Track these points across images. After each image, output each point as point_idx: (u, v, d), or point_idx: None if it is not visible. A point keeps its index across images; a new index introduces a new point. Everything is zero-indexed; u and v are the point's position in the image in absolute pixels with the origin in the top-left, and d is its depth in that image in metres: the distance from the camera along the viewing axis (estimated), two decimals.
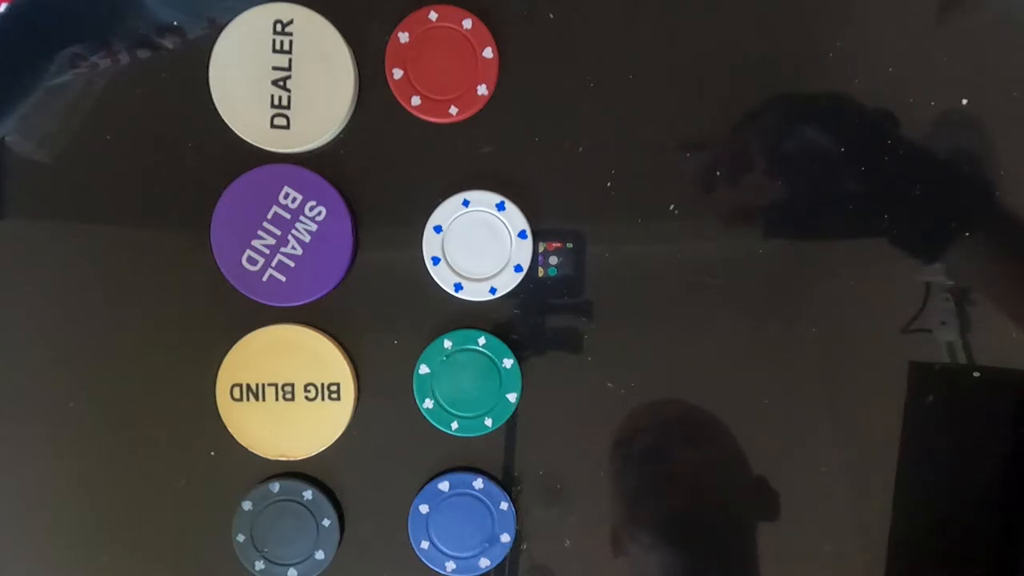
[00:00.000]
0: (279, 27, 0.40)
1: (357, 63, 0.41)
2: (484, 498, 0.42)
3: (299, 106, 0.40)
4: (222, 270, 0.41)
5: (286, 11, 0.40)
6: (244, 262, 0.41)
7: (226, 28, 0.40)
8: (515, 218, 0.41)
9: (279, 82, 0.40)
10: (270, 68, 0.40)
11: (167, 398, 0.43)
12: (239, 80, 0.40)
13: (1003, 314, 0.43)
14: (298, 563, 0.42)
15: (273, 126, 0.40)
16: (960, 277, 0.42)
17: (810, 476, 0.43)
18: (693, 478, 0.44)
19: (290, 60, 0.40)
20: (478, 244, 0.41)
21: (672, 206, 0.42)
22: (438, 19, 0.40)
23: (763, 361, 0.43)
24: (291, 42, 0.40)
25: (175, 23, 0.41)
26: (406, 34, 0.40)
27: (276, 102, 0.40)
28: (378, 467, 0.43)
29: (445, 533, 0.42)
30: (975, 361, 0.43)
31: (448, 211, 0.41)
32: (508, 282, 0.41)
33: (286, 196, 0.41)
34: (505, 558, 0.43)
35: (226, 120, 0.40)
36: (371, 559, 0.43)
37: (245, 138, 0.40)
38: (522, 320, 0.43)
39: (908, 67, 0.42)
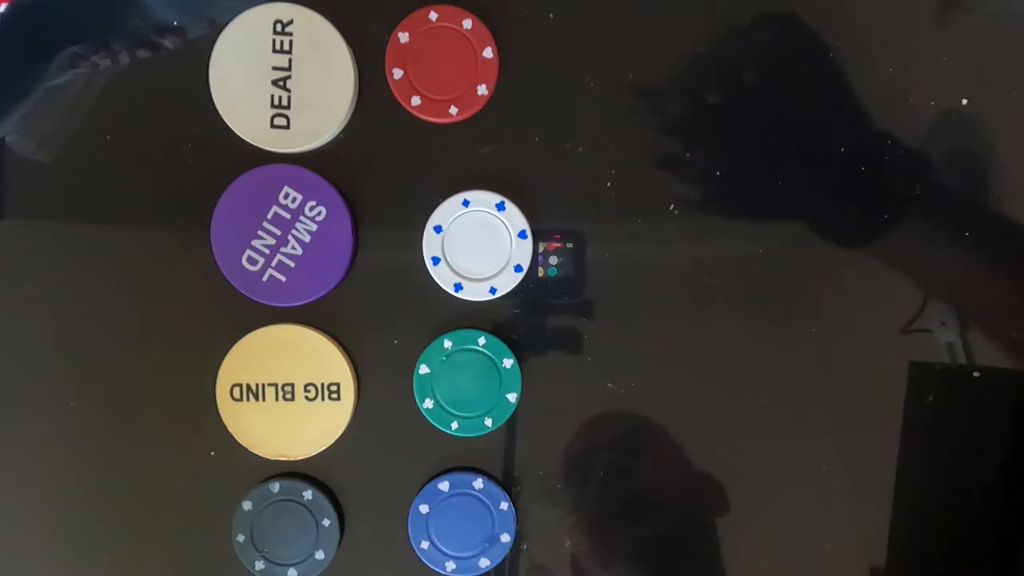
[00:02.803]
0: (279, 27, 0.40)
1: (357, 63, 0.41)
2: (484, 498, 0.42)
3: (299, 106, 0.40)
4: (222, 270, 0.41)
5: (286, 11, 0.40)
6: (244, 262, 0.41)
7: (226, 28, 0.40)
8: (515, 218, 0.41)
9: (279, 82, 0.40)
10: (270, 68, 0.40)
11: (167, 398, 0.43)
12: (239, 80, 0.40)
13: (1003, 314, 0.43)
14: (298, 563, 0.42)
15: (273, 126, 0.40)
16: (960, 277, 0.42)
17: (810, 476, 0.43)
18: (688, 478, 0.44)
19: (290, 60, 0.40)
20: (478, 244, 0.41)
21: (672, 206, 0.42)
22: (438, 19, 0.40)
23: (763, 361, 0.43)
24: (291, 42, 0.40)
25: (175, 23, 0.41)
26: (406, 34, 0.40)
27: (276, 102, 0.40)
28: (378, 467, 0.43)
29: (445, 533, 0.42)
30: (975, 361, 0.43)
31: (448, 211, 0.41)
32: (508, 282, 0.41)
33: (286, 196, 0.41)
34: (505, 558, 0.43)
35: (226, 120, 0.40)
36: (371, 559, 0.44)
37: (245, 138, 0.40)
38: (522, 320, 0.43)
39: (908, 67, 0.42)
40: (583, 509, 0.43)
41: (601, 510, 0.43)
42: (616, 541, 0.44)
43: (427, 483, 0.43)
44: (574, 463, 0.43)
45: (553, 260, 0.42)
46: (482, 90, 0.41)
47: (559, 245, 0.42)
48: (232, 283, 0.41)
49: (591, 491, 0.43)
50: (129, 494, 0.43)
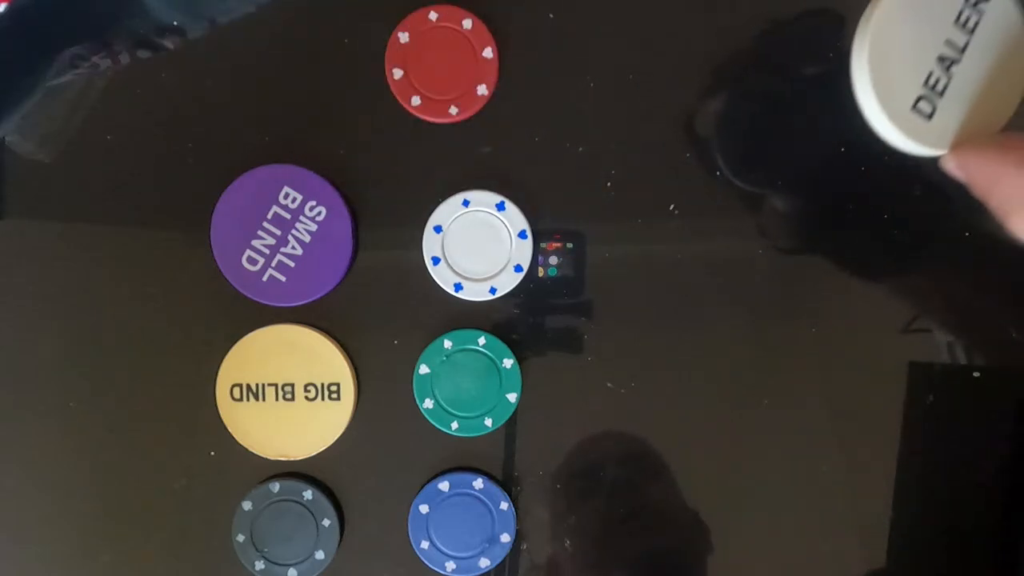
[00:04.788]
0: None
1: (358, 63, 0.41)
2: (484, 498, 0.42)
3: (952, 98, 0.35)
4: (222, 270, 0.41)
5: None
6: (244, 262, 0.41)
7: None
8: (515, 218, 0.41)
9: (944, 60, 0.35)
10: (941, 41, 0.35)
11: (167, 398, 0.43)
12: (903, 39, 0.35)
13: (1003, 314, 0.43)
14: (298, 563, 0.42)
15: (914, 108, 0.35)
16: (960, 277, 0.42)
17: (810, 476, 0.43)
18: (688, 477, 0.44)
19: (967, 42, 0.35)
20: (478, 244, 0.41)
21: (672, 206, 0.42)
22: (438, 19, 0.40)
23: (763, 361, 0.43)
24: (977, 22, 0.35)
25: (175, 23, 0.41)
26: (406, 34, 0.40)
27: (931, 83, 0.35)
28: (378, 467, 0.43)
29: (445, 533, 0.42)
30: (975, 361, 0.43)
31: (448, 211, 0.41)
32: (508, 282, 0.41)
33: (286, 196, 0.41)
34: (505, 558, 0.43)
35: (866, 80, 0.36)
36: (371, 559, 0.44)
37: (871, 111, 0.36)
38: (522, 320, 0.43)
39: None
40: (583, 509, 0.43)
41: (601, 510, 0.43)
42: (616, 540, 0.44)
43: (427, 483, 0.43)
44: (574, 463, 0.43)
45: (553, 260, 0.42)
46: (482, 90, 0.41)
47: (559, 245, 0.42)
48: (232, 283, 0.41)
49: (591, 491, 0.43)
50: (129, 494, 0.43)
